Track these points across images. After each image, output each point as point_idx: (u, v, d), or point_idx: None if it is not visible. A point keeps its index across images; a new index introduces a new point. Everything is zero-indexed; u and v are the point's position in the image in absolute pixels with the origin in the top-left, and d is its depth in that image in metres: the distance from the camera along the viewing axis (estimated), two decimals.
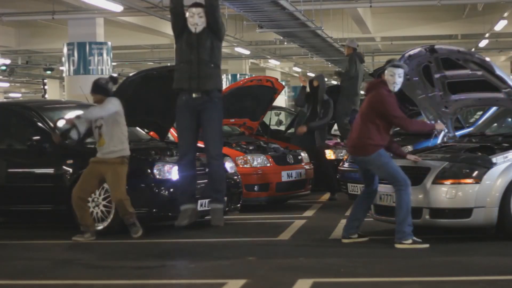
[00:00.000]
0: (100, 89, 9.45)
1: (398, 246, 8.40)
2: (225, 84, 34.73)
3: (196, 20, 8.55)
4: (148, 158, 9.91)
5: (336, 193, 13.22)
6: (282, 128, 17.36)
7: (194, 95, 8.58)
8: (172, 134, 12.12)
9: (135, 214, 9.28)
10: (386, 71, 8.72)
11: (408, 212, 8.44)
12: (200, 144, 9.07)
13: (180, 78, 8.65)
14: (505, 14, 23.42)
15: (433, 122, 10.15)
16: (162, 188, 9.73)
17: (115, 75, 9.94)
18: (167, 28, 24.06)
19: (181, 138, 8.71)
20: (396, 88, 8.70)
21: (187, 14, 8.66)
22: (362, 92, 14.40)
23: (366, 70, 33.86)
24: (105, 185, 9.72)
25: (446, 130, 10.16)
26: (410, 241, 8.39)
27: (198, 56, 8.53)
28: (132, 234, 9.27)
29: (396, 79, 8.67)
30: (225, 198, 9.04)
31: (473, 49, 27.55)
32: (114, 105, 9.35)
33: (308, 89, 13.61)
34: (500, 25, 24.71)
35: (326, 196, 13.71)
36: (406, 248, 8.33)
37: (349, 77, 14.78)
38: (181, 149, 8.75)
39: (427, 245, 8.40)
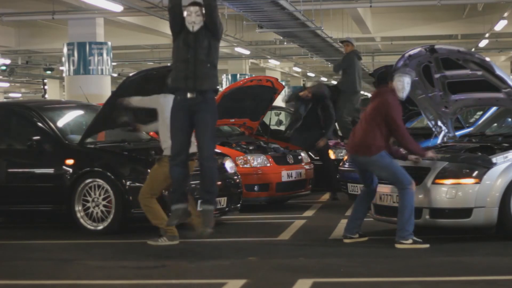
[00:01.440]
0: None
1: (398, 246, 8.40)
2: (225, 84, 34.76)
3: (193, 18, 8.49)
4: (148, 158, 9.90)
5: (337, 193, 13.18)
6: (282, 128, 17.35)
7: (189, 95, 8.52)
8: None
9: (160, 226, 8.98)
10: (394, 79, 8.74)
11: (412, 212, 8.44)
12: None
13: (176, 77, 8.60)
14: (505, 14, 23.40)
15: (435, 123, 10.17)
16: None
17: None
18: (167, 28, 23.86)
19: (175, 138, 8.65)
20: (405, 94, 8.75)
21: (185, 14, 8.64)
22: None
23: (365, 70, 33.96)
24: (104, 185, 9.78)
25: (446, 131, 10.16)
26: (410, 241, 8.39)
27: (195, 56, 8.47)
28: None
29: (405, 86, 8.72)
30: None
31: (473, 49, 27.54)
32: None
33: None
34: (500, 25, 24.69)
35: (326, 196, 13.71)
36: (406, 248, 8.33)
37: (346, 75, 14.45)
38: (174, 149, 8.68)
39: (427, 245, 8.40)
